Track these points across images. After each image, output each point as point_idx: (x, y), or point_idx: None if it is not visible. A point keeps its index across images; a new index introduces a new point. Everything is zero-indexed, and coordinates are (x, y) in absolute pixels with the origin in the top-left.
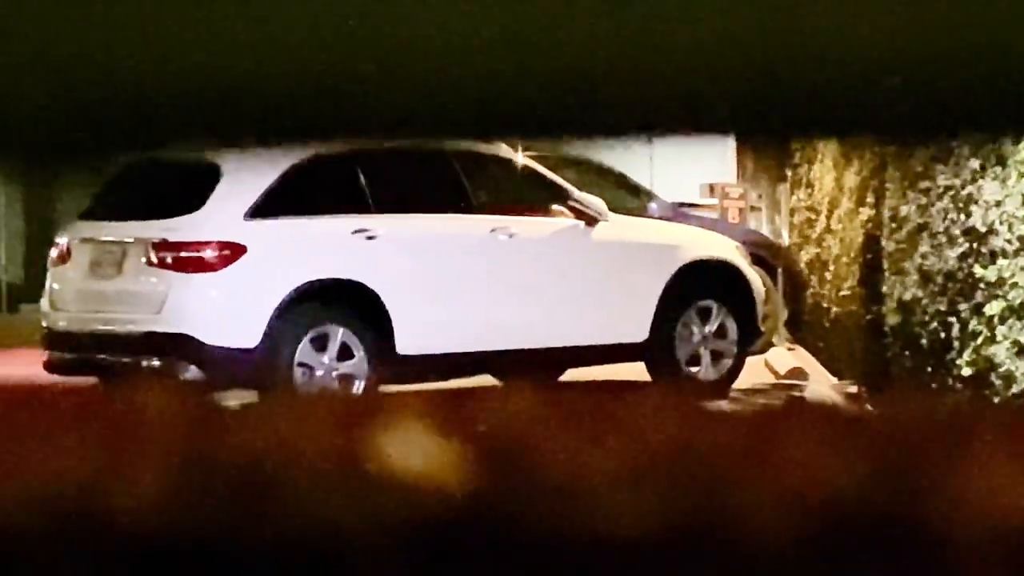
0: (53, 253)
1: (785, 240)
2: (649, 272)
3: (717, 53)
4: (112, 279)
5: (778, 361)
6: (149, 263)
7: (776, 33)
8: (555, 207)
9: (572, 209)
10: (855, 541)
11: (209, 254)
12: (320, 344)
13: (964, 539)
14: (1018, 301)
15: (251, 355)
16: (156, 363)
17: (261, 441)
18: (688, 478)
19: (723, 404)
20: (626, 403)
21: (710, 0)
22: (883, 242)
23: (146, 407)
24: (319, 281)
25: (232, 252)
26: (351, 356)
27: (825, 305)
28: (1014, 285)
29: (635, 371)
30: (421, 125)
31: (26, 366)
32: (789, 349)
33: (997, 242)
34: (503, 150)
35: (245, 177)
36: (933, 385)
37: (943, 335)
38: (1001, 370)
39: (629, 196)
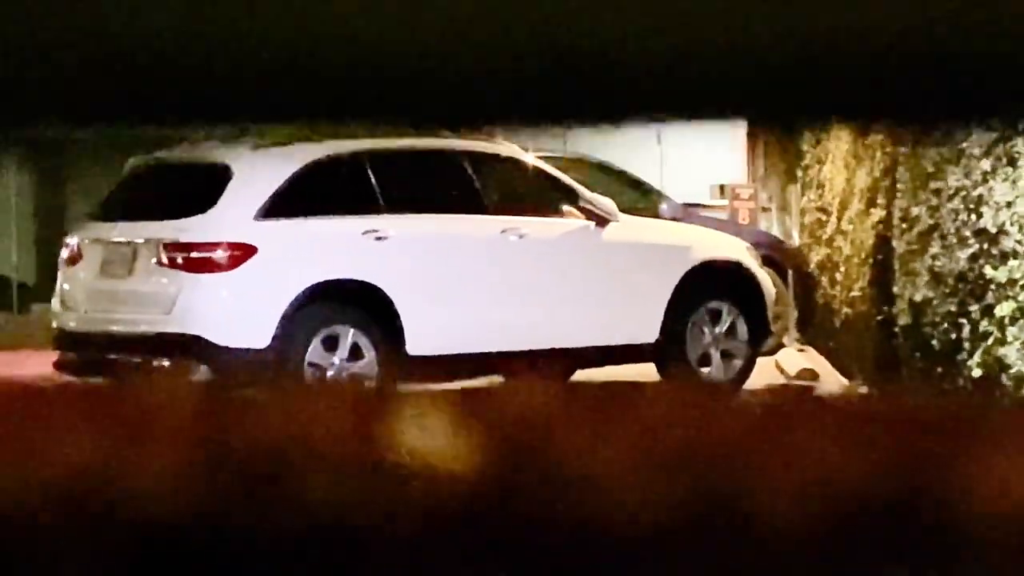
0: (64, 253)
1: (795, 241)
2: (659, 273)
3: (727, 35)
4: (123, 279)
5: (789, 362)
6: (160, 263)
7: (787, 15)
8: (566, 208)
9: (582, 210)
10: (871, 528)
11: (220, 255)
12: (331, 344)
13: (974, 529)
14: None
15: (262, 355)
16: (166, 363)
17: (283, 431)
18: (705, 469)
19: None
20: (646, 398)
21: None
22: (894, 243)
23: (172, 400)
24: (330, 282)
25: (243, 252)
26: (361, 356)
27: (835, 306)
28: None
29: (644, 372)
30: (420, 110)
31: (38, 366)
32: (799, 350)
33: (1008, 243)
34: (514, 150)
35: (256, 177)
36: (943, 386)
37: (954, 336)
38: (1012, 371)
39: (639, 197)
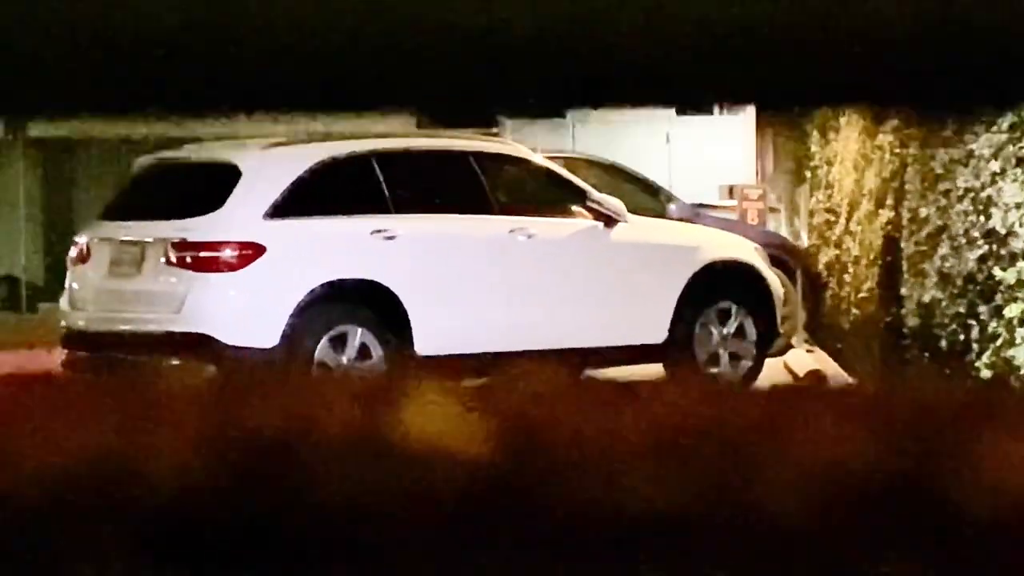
0: (73, 253)
1: (804, 242)
2: (668, 273)
3: (737, 20)
4: (131, 279)
5: (797, 363)
6: (168, 263)
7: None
8: (574, 208)
9: (591, 210)
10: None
11: (228, 254)
12: (339, 344)
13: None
14: None
15: (270, 355)
16: (175, 362)
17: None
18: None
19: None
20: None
21: None
22: (902, 244)
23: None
24: (338, 281)
25: (251, 252)
26: (369, 356)
27: (844, 307)
28: None
29: (652, 373)
30: (427, 96)
31: (46, 366)
32: (808, 351)
33: (1017, 244)
34: (522, 150)
35: (264, 177)
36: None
37: (962, 337)
38: (1021, 372)
39: (648, 197)
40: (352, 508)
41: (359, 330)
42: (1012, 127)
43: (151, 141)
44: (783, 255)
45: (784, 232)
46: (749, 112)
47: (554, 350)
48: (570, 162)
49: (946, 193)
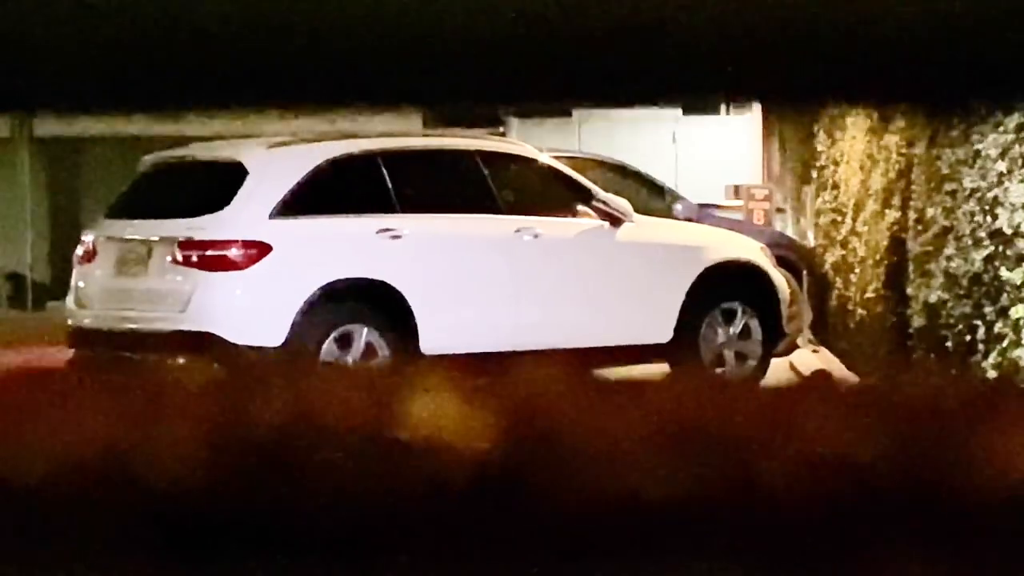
0: (79, 251)
1: (810, 242)
2: (674, 273)
3: (743, 18)
4: (138, 277)
5: (802, 363)
6: (175, 261)
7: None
8: (580, 208)
9: (597, 210)
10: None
11: (234, 253)
12: (344, 343)
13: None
14: None
15: (275, 354)
16: (181, 361)
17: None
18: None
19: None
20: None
21: None
22: (908, 244)
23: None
24: (344, 280)
25: (257, 251)
26: (375, 355)
27: (850, 307)
28: None
29: (658, 373)
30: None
31: (52, 364)
32: (814, 351)
33: (1023, 245)
34: (528, 150)
35: (270, 176)
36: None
37: (968, 338)
38: None
39: (654, 197)
40: (359, 504)
41: (364, 329)
42: (1019, 127)
43: (157, 140)
44: (789, 255)
45: (790, 232)
46: (756, 112)
47: (560, 349)
48: (576, 162)
49: (952, 193)
